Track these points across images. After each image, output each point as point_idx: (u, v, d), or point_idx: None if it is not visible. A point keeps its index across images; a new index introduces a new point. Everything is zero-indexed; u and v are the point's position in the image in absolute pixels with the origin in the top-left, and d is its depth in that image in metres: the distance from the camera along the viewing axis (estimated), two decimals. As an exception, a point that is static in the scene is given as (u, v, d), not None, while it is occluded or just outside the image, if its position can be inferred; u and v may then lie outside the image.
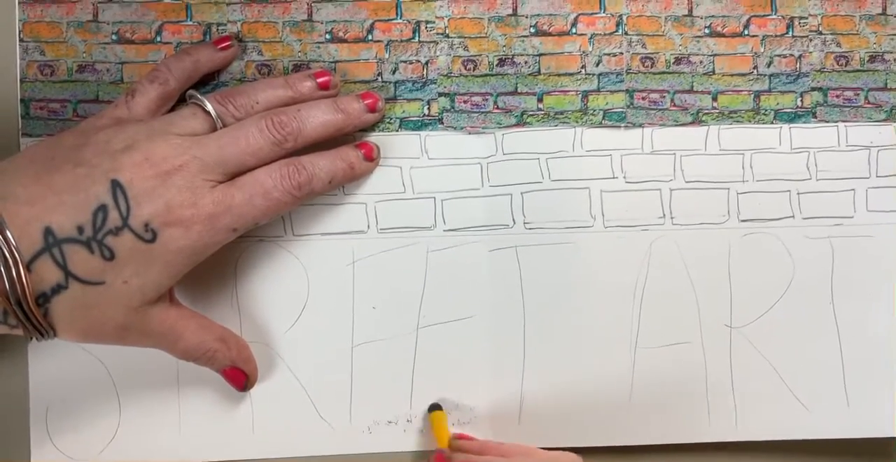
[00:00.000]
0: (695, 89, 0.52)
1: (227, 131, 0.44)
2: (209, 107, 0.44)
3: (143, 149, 0.41)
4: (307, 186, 0.44)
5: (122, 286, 0.40)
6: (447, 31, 0.51)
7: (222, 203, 0.41)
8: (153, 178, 0.40)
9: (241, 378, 0.47)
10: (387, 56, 0.51)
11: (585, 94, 0.51)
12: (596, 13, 0.51)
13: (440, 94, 0.51)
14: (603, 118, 0.51)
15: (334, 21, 0.51)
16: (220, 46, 0.49)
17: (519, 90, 0.51)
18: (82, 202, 0.39)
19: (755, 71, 0.52)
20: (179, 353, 0.45)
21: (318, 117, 0.45)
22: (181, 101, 0.48)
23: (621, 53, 0.51)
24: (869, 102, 0.52)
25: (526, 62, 0.51)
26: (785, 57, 0.52)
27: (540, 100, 0.51)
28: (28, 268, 0.38)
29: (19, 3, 0.50)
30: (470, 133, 0.51)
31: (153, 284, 0.41)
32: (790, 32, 0.52)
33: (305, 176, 0.44)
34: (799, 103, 0.52)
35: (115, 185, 0.39)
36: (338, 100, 0.47)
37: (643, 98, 0.51)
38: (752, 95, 0.52)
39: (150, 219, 0.40)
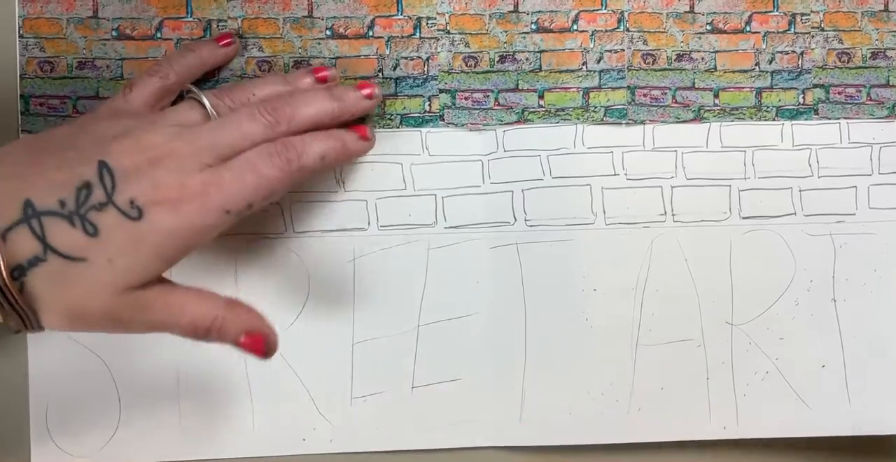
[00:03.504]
0: (696, 86, 0.52)
1: (220, 119, 0.43)
2: (205, 100, 0.44)
3: (134, 137, 0.40)
4: (297, 162, 0.43)
5: (107, 265, 0.38)
6: (448, 28, 0.51)
7: (212, 182, 0.40)
8: (142, 162, 0.39)
9: (260, 341, 0.43)
10: (387, 52, 0.51)
11: (587, 91, 0.51)
12: (597, 10, 0.51)
13: (441, 91, 0.51)
14: (604, 115, 0.51)
15: (335, 17, 0.51)
16: (221, 43, 0.49)
17: (520, 87, 0.51)
18: (67, 179, 0.38)
19: (757, 67, 0.52)
20: (186, 328, 0.42)
21: (312, 103, 0.45)
22: (180, 97, 0.48)
23: (623, 50, 0.51)
24: (871, 99, 0.52)
25: (527, 59, 0.51)
26: (787, 54, 0.52)
27: (541, 97, 0.51)
28: (3, 237, 0.37)
29: (19, -1, 0.50)
30: (471, 130, 0.51)
31: (141, 267, 0.39)
32: (792, 29, 0.52)
33: (295, 152, 0.43)
34: (801, 100, 0.52)
35: (102, 166, 0.39)
36: (333, 88, 0.47)
37: (644, 95, 0.51)
38: (754, 92, 0.52)
39: (136, 196, 0.38)
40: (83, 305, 0.39)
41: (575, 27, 0.51)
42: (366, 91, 0.47)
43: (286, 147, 0.43)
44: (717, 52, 0.52)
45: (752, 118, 0.52)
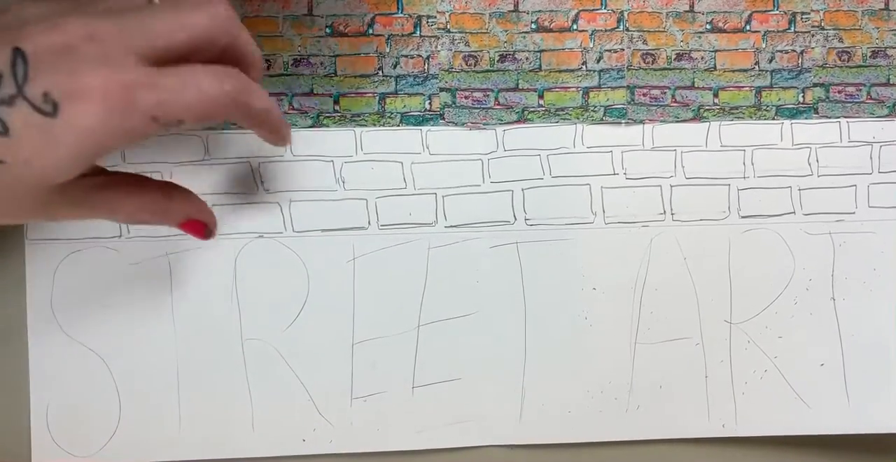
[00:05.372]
0: (696, 85, 0.52)
1: (160, 3, 0.38)
2: None
3: (56, 19, 0.35)
4: (245, 97, 0.38)
5: (25, 167, 0.35)
6: (448, 26, 0.51)
7: (145, 83, 0.35)
8: (61, 45, 0.34)
9: (200, 227, 0.43)
10: (388, 50, 0.51)
11: (586, 91, 0.51)
12: (597, 9, 0.51)
13: (441, 90, 0.51)
14: (604, 114, 0.51)
15: (335, 15, 0.50)
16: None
17: (520, 86, 0.51)
18: None
19: (757, 67, 0.52)
20: (125, 218, 0.40)
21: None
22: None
23: (622, 49, 0.51)
24: (871, 98, 0.52)
25: (527, 58, 0.51)
26: (787, 52, 0.52)
27: (541, 96, 0.51)
28: None
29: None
30: (471, 129, 0.51)
31: (58, 170, 0.35)
32: (792, 28, 0.52)
33: (247, 88, 0.38)
34: (801, 99, 0.52)
35: (17, 53, 0.34)
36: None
37: (644, 94, 0.51)
38: (754, 91, 0.52)
39: (51, 87, 0.34)
40: (15, 203, 0.37)
41: (575, 27, 0.51)
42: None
43: (240, 78, 0.38)
44: (716, 51, 0.52)
45: (751, 117, 0.52)
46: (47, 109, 0.34)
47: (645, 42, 0.51)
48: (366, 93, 0.51)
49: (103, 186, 0.39)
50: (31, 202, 0.37)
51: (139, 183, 0.41)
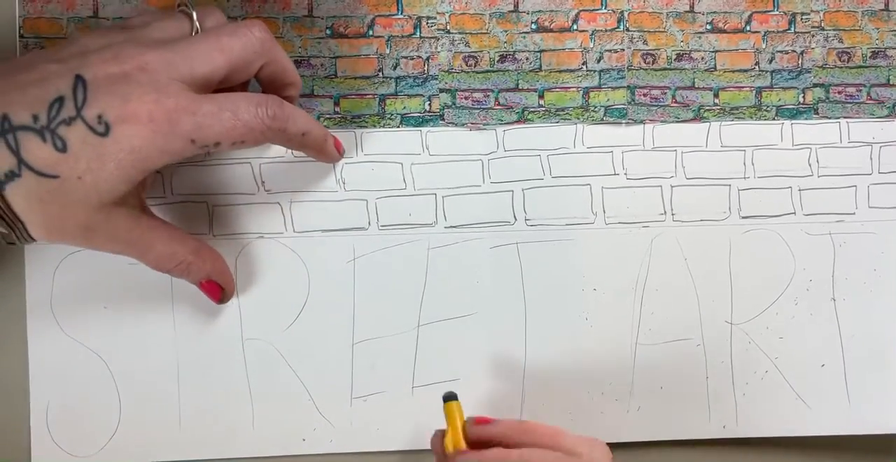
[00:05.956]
0: (696, 86, 0.52)
1: (202, 33, 0.42)
2: (193, 13, 0.43)
3: (115, 49, 0.39)
4: (281, 123, 0.42)
5: (78, 182, 0.38)
6: (448, 27, 0.51)
7: (187, 107, 0.39)
8: (117, 74, 0.39)
9: (217, 291, 0.47)
10: (388, 51, 0.51)
11: (586, 91, 0.51)
12: (597, 9, 0.51)
13: (441, 90, 0.51)
14: (604, 115, 0.51)
15: (335, 16, 0.51)
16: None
17: (520, 87, 0.51)
18: (43, 94, 0.38)
19: (757, 67, 0.52)
20: (151, 262, 0.43)
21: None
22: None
23: (622, 50, 0.51)
24: (871, 99, 0.52)
25: (527, 58, 0.51)
26: (787, 53, 0.52)
27: (541, 96, 0.51)
28: None
29: (19, -2, 0.50)
30: (471, 129, 0.51)
31: (106, 185, 0.39)
32: (792, 28, 0.52)
33: (283, 113, 0.42)
34: (801, 100, 0.52)
35: (78, 79, 0.38)
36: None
37: (644, 94, 0.51)
38: (754, 92, 0.52)
39: (105, 110, 0.38)
40: (60, 221, 0.39)
41: (575, 27, 0.51)
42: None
43: (278, 105, 0.42)
44: (716, 51, 0.52)
45: (751, 118, 0.52)
46: (100, 130, 0.38)
47: (645, 42, 0.51)
48: (366, 94, 0.51)
49: (143, 224, 0.42)
50: (76, 222, 0.39)
51: (175, 233, 0.44)
